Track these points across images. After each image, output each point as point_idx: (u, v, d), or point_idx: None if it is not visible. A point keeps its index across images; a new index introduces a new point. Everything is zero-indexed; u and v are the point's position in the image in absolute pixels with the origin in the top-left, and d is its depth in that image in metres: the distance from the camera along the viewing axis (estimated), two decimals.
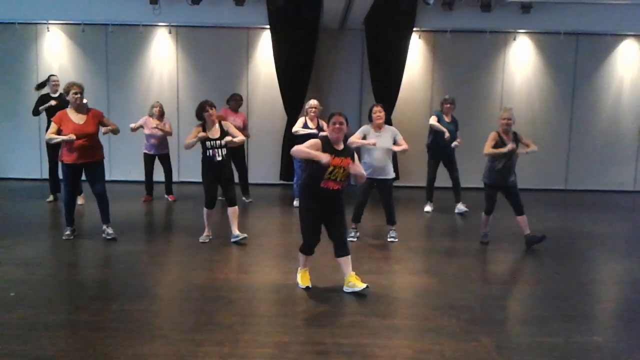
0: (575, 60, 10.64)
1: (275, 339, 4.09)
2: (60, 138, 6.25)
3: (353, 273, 5.04)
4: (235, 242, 6.56)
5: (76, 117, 6.37)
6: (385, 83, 10.15)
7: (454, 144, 8.28)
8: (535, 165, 10.24)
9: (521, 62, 10.69)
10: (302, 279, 5.16)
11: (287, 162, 10.05)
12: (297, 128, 8.20)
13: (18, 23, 10.24)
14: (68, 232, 6.62)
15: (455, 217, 8.38)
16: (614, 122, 10.82)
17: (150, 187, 9.10)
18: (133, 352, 3.82)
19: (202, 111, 6.33)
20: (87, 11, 10.02)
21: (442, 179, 8.67)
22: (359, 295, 4.97)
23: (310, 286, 5.11)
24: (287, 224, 7.95)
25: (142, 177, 9.15)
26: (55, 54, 10.52)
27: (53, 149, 8.53)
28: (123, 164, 10.36)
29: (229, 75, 10.59)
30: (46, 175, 9.02)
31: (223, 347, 3.92)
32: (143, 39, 10.50)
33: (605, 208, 9.51)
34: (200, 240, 6.62)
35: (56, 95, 8.53)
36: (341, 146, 4.96)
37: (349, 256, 5.04)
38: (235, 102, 8.93)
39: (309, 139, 7.89)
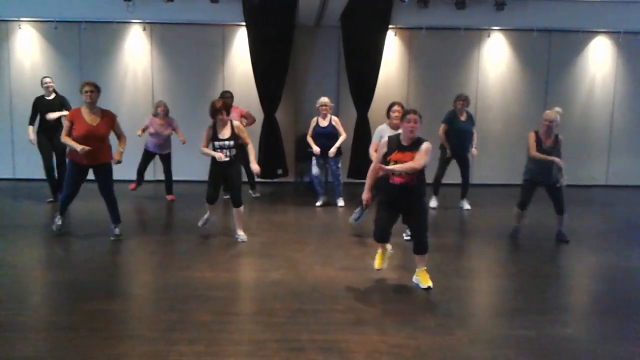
0: (549, 56, 10.78)
1: (250, 337, 4.10)
2: (75, 146, 6.13)
3: (424, 269, 5.20)
4: (241, 241, 6.62)
5: (89, 117, 6.29)
6: (362, 80, 10.17)
7: (472, 150, 8.44)
8: (508, 160, 10.38)
9: (495, 58, 10.80)
10: (376, 260, 5.38)
11: (266, 159, 10.03)
12: (309, 137, 8.56)
13: None
14: (60, 223, 6.67)
15: (449, 214, 8.41)
16: (586, 117, 10.98)
17: (141, 178, 9.04)
18: (108, 352, 3.79)
19: (215, 114, 6.37)
20: (59, 8, 9.88)
21: (447, 175, 8.71)
22: (334, 291, 5.01)
23: (380, 268, 5.34)
24: (266, 222, 7.92)
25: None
26: (28, 51, 10.33)
27: (45, 149, 8.32)
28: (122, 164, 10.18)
29: (204, 72, 10.52)
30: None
31: (198, 345, 3.92)
32: (117, 36, 10.37)
33: (577, 203, 9.63)
34: (199, 224, 6.87)
35: (51, 97, 8.37)
36: (409, 142, 4.93)
37: (425, 255, 5.17)
38: (224, 100, 8.86)
39: (321, 139, 8.24)
